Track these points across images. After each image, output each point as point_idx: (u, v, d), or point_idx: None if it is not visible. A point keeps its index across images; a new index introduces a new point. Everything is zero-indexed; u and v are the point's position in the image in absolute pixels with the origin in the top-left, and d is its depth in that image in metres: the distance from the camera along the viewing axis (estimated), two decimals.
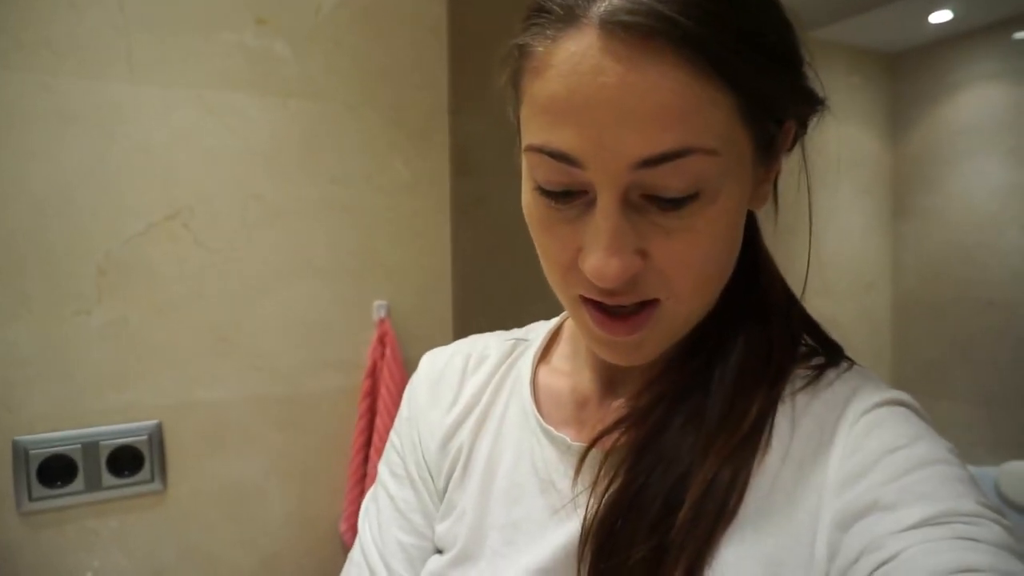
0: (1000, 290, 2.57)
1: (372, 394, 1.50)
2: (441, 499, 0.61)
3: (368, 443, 1.49)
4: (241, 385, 1.40)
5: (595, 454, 0.51)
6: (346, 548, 1.48)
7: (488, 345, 0.67)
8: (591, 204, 0.43)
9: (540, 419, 0.57)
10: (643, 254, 0.43)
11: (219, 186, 1.37)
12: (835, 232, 2.79)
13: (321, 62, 1.46)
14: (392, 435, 0.68)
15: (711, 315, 0.51)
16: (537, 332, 0.67)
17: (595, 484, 0.49)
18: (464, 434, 0.61)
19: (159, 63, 1.29)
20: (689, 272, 0.44)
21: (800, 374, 0.50)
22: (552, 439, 0.55)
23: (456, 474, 0.60)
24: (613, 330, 0.46)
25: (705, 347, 0.51)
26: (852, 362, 0.52)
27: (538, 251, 0.50)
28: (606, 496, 0.47)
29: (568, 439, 0.54)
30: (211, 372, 1.37)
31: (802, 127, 0.51)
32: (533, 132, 0.44)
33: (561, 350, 0.64)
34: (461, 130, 1.74)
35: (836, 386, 0.49)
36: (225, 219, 1.38)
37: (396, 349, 1.51)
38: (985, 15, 2.59)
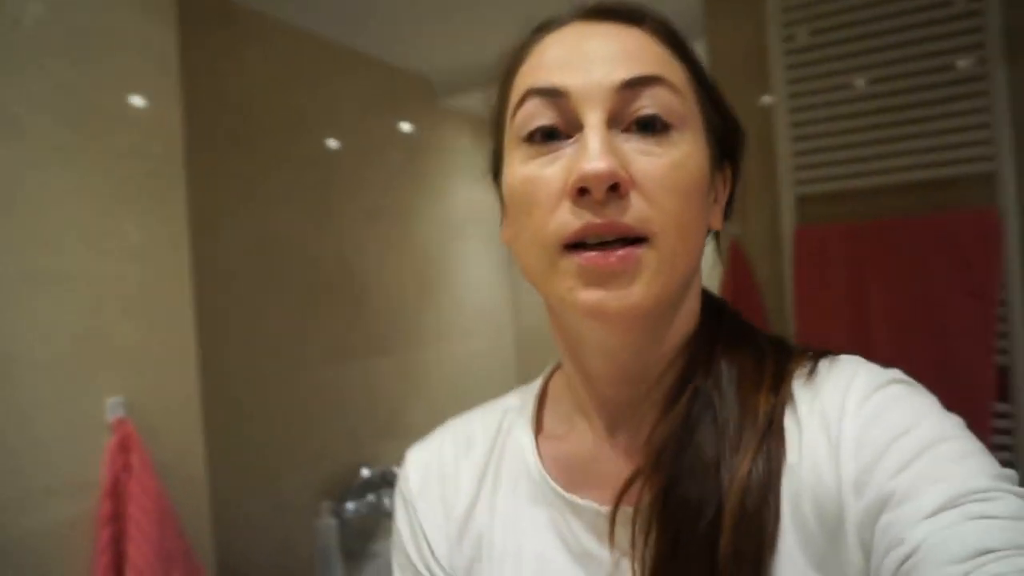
0: None
1: (116, 519, 1.16)
2: None
3: None
4: None
5: (624, 512, 0.49)
6: None
7: (471, 423, 0.64)
8: (576, 145, 0.48)
9: (560, 489, 0.54)
10: (627, 172, 0.46)
11: None
12: (468, 280, 3.15)
13: (19, 92, 1.10)
14: (394, 565, 0.62)
15: (692, 341, 0.53)
16: (521, 399, 0.64)
17: (633, 545, 0.47)
18: (476, 524, 0.58)
19: None
20: (669, 199, 0.46)
21: (796, 372, 0.51)
22: (576, 509, 0.53)
23: (483, 566, 0.57)
24: (605, 259, 0.45)
25: (695, 373, 0.51)
26: (831, 352, 0.53)
27: (519, 222, 0.50)
28: (647, 557, 0.46)
29: (595, 505, 0.52)
30: None
31: (733, 170, 0.57)
32: (523, 86, 0.51)
33: (551, 412, 0.61)
34: (200, 182, 1.48)
35: (832, 376, 0.49)
36: None
37: (144, 455, 1.21)
38: None
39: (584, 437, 0.56)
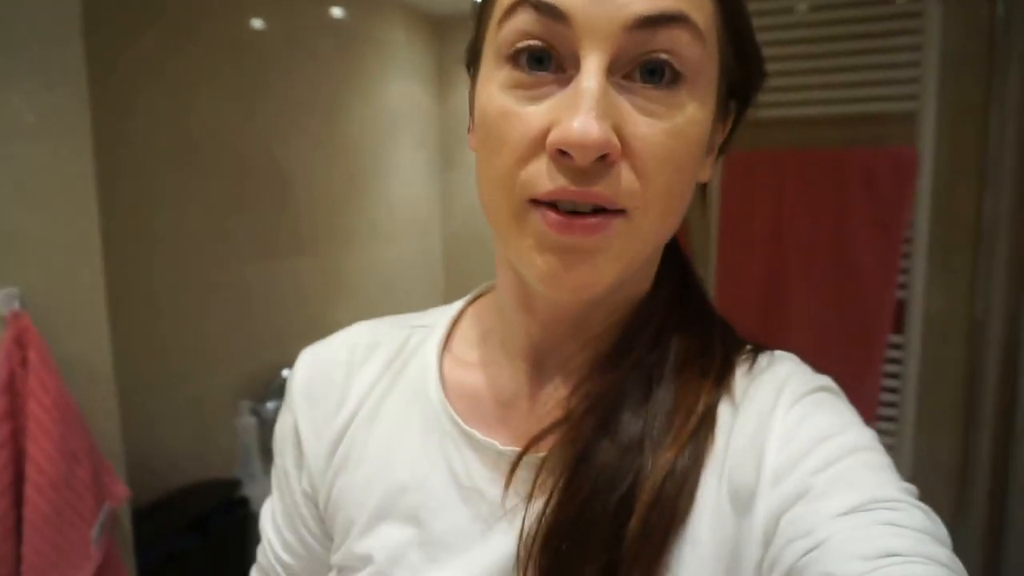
0: None
1: (14, 415, 1.12)
2: (324, 511, 0.55)
3: (18, 479, 1.12)
4: None
5: (529, 460, 0.46)
6: None
7: (378, 332, 0.59)
8: (565, 84, 0.41)
9: (460, 422, 0.50)
10: (620, 136, 0.40)
11: None
12: (398, 182, 3.07)
13: None
14: (275, 454, 0.59)
15: (646, 301, 0.51)
16: (434, 318, 0.59)
17: (531, 495, 0.45)
18: (351, 434, 0.54)
19: None
20: (661, 172, 0.41)
21: (738, 364, 0.49)
22: (476, 445, 0.49)
23: (346, 483, 0.53)
24: (570, 228, 0.40)
25: (640, 339, 0.49)
26: (769, 348, 0.52)
27: (484, 156, 0.45)
28: (547, 511, 0.44)
29: (498, 444, 0.49)
30: None
31: (741, 106, 0.50)
32: None
33: (463, 335, 0.57)
34: (104, 54, 1.34)
35: (770, 371, 0.48)
36: None
37: (43, 350, 1.15)
38: None
39: (500, 372, 0.53)
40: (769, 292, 1.83)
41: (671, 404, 0.46)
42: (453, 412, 0.51)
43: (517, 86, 0.42)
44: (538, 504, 0.44)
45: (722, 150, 0.50)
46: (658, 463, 0.43)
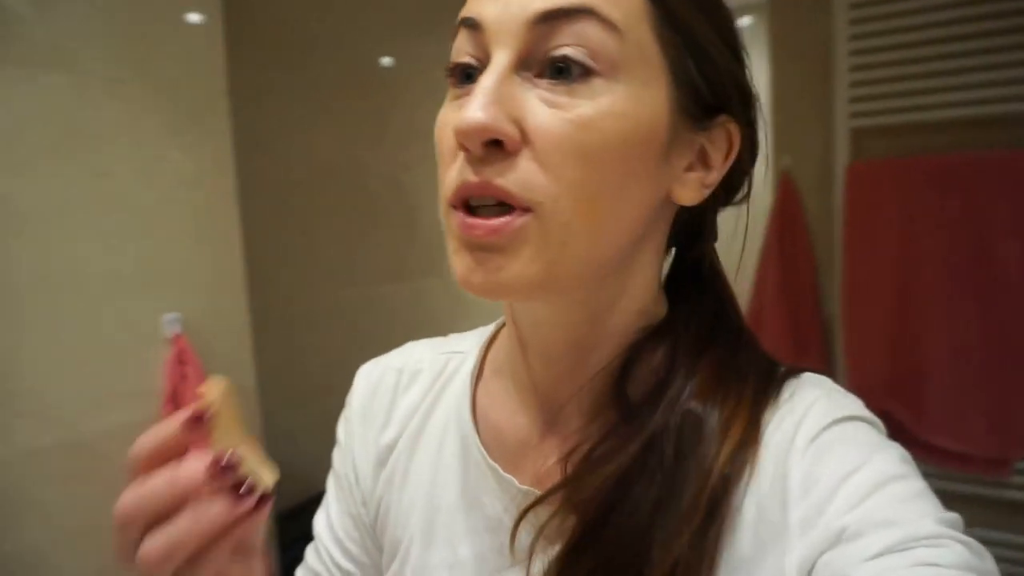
0: None
1: None
2: (374, 525, 0.57)
3: None
4: (6, 439, 1.09)
5: (534, 517, 0.45)
6: None
7: (422, 358, 0.60)
8: None
9: (486, 455, 0.50)
10: (521, 128, 0.40)
11: None
12: None
13: (70, 25, 1.16)
14: (336, 462, 0.62)
15: (647, 342, 0.47)
16: (471, 342, 0.59)
17: (531, 558, 0.44)
18: (397, 458, 0.56)
19: None
20: (569, 165, 0.39)
21: (761, 396, 0.46)
22: (499, 478, 0.49)
23: (392, 502, 0.56)
24: (473, 227, 0.40)
25: (655, 372, 0.46)
26: (799, 371, 0.48)
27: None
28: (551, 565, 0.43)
29: (516, 482, 0.48)
30: None
31: (748, 143, 0.47)
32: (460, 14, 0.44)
33: (492, 362, 0.56)
34: (248, 103, 1.54)
35: (789, 406, 0.45)
36: None
37: (198, 367, 1.33)
38: None
39: (515, 409, 0.52)
40: (902, 318, 1.68)
41: (685, 475, 0.42)
42: (480, 444, 0.51)
43: (453, 98, 0.44)
44: (541, 560, 0.43)
45: (735, 180, 0.48)
46: (670, 553, 0.40)
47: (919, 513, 0.37)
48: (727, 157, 0.46)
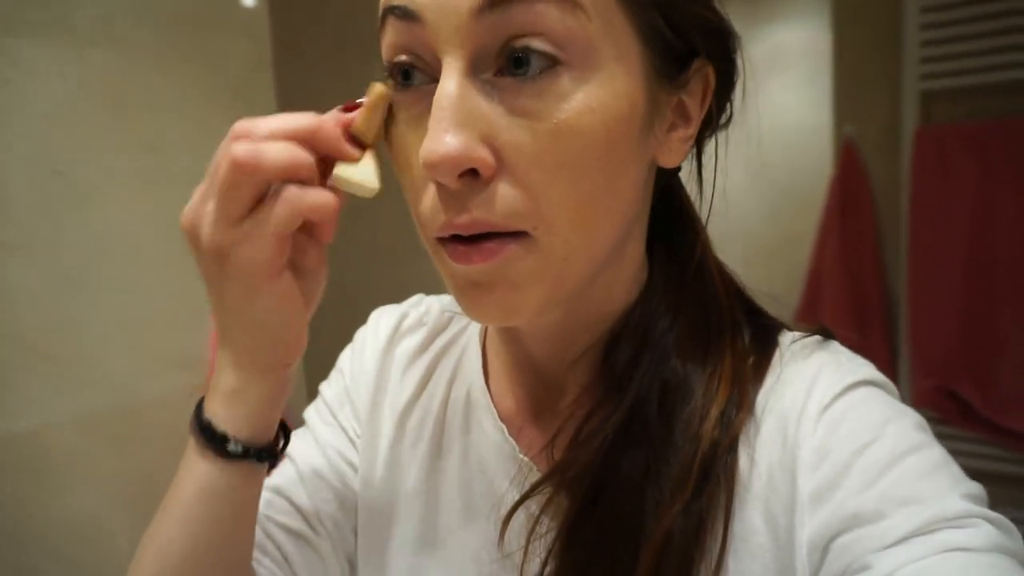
0: None
1: None
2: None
3: None
4: (61, 404, 1.15)
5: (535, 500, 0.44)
6: None
7: (429, 311, 0.59)
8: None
9: (496, 416, 0.50)
10: (494, 148, 0.35)
11: (7, 159, 1.07)
12: None
13: (119, 2, 1.20)
14: (323, 387, 0.60)
15: (632, 310, 0.45)
16: None
17: (528, 547, 0.43)
18: (414, 418, 0.54)
19: None
20: (554, 182, 0.36)
21: (756, 358, 0.44)
22: (505, 448, 0.49)
23: (394, 440, 0.54)
24: (468, 257, 0.37)
25: (628, 354, 0.44)
26: (800, 335, 0.46)
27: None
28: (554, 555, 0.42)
29: (518, 450, 0.48)
30: (21, 393, 1.10)
31: (724, 78, 0.43)
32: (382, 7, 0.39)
33: (491, 335, 0.54)
34: (288, 80, 1.56)
35: (795, 369, 0.43)
36: (19, 202, 1.09)
37: None
38: None
39: (513, 378, 0.51)
40: (972, 293, 1.58)
41: (672, 440, 0.41)
42: (495, 412, 0.50)
43: (401, 107, 0.39)
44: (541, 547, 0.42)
45: (715, 121, 0.44)
46: (661, 523, 0.39)
47: (941, 488, 0.35)
48: (703, 102, 0.42)
